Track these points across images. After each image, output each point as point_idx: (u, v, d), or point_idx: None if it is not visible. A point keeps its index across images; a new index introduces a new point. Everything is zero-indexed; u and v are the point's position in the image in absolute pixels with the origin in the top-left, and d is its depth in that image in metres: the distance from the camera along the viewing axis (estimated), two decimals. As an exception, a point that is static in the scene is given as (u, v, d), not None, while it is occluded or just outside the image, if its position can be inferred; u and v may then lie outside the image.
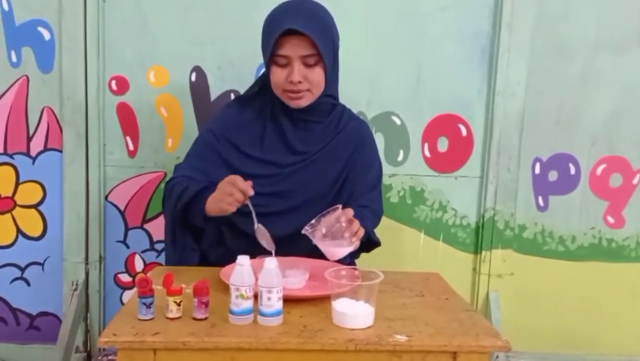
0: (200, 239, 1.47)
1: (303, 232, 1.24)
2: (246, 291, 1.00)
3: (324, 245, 1.24)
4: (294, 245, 1.37)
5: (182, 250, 1.44)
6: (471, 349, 0.98)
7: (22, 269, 2.00)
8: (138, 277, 1.01)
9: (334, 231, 1.23)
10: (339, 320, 1.03)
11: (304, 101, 1.41)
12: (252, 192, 1.26)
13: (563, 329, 2.12)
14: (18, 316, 2.02)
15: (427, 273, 1.39)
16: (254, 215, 1.29)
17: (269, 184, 1.43)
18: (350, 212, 1.25)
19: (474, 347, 0.98)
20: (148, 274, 1.25)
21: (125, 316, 1.03)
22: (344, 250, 1.25)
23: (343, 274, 1.08)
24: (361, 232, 1.26)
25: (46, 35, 1.92)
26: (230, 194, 1.25)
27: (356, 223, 1.25)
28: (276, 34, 1.34)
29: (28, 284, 2.01)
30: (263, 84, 1.49)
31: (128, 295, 2.02)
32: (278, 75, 1.38)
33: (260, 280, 1.01)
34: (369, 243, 1.46)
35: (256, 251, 1.30)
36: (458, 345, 0.98)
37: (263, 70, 1.52)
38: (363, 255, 1.61)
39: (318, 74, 1.39)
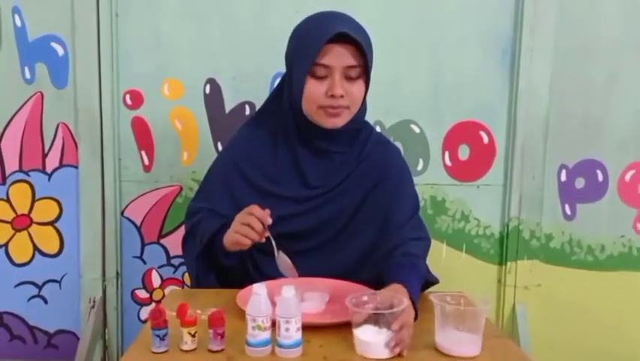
0: (226, 280, 1.34)
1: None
2: (263, 321, 0.95)
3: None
4: None
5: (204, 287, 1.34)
6: (503, 382, 0.92)
7: (40, 287, 1.99)
8: (151, 308, 0.96)
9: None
10: (362, 350, 0.98)
11: (341, 120, 1.25)
12: (270, 221, 1.17)
13: (593, 341, 2.05)
14: (35, 334, 2.01)
15: (452, 293, 1.33)
16: (274, 243, 1.21)
17: (282, 225, 1.25)
18: (407, 320, 1.00)
19: (506, 380, 0.92)
20: (162, 302, 1.21)
21: (139, 348, 0.99)
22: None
23: (365, 300, 1.03)
24: (405, 344, 0.98)
25: (60, 51, 1.90)
26: (247, 223, 1.16)
27: (406, 332, 0.98)
28: (323, 38, 1.19)
29: (46, 302, 1.99)
30: (272, 106, 1.36)
31: (146, 312, 2.00)
32: (315, 89, 1.22)
33: (277, 309, 0.97)
34: (426, 284, 1.32)
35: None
36: (489, 378, 0.93)
37: (277, 83, 1.41)
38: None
39: (359, 89, 1.25)
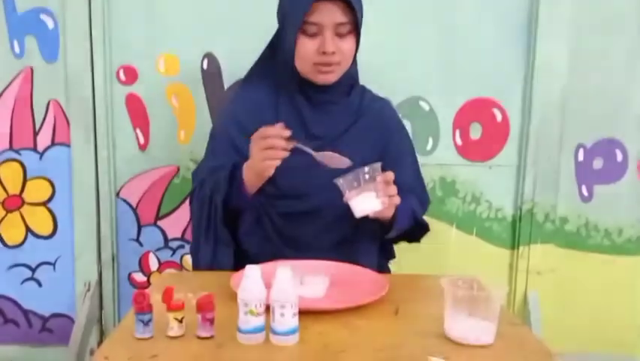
0: (235, 231, 1.35)
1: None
2: (255, 306, 0.87)
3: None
4: (320, 248, 1.27)
5: (215, 245, 1.30)
6: (519, 374, 0.84)
7: (33, 269, 1.92)
8: (135, 291, 0.89)
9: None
10: (359, 210, 1.13)
11: (334, 76, 1.29)
12: (287, 133, 1.14)
13: (609, 329, 1.96)
14: (30, 317, 1.94)
15: (464, 278, 1.24)
16: (305, 148, 1.17)
17: (286, 179, 1.27)
18: (390, 174, 1.14)
19: (522, 372, 0.84)
20: (151, 285, 1.14)
21: (122, 334, 0.91)
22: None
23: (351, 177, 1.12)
24: (396, 200, 1.15)
25: (50, 24, 1.81)
26: (268, 146, 1.14)
27: (393, 188, 1.14)
28: None
29: (40, 285, 1.93)
30: (266, 62, 1.36)
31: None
32: (307, 46, 1.24)
33: (272, 293, 0.88)
34: (415, 226, 1.35)
35: (295, 237, 1.29)
36: (503, 369, 0.84)
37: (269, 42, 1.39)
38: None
39: (350, 45, 1.27)
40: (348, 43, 1.26)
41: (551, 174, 1.88)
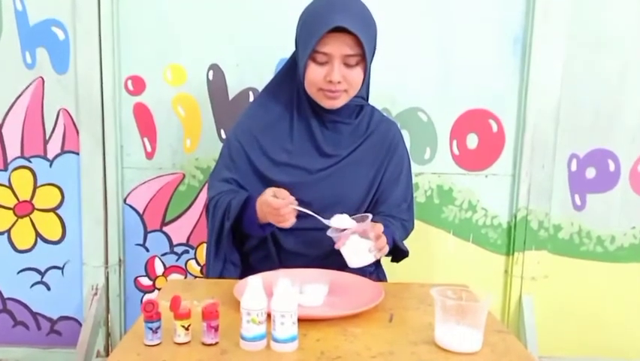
0: (242, 244, 1.42)
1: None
2: (257, 315, 0.93)
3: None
4: (327, 264, 1.31)
5: (224, 263, 1.39)
6: (503, 380, 0.89)
7: (42, 273, 1.98)
8: (144, 300, 0.95)
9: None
10: (352, 263, 1.21)
11: (339, 102, 1.34)
12: (295, 202, 1.22)
13: (601, 334, 2.01)
14: (39, 320, 2.01)
15: (454, 287, 1.30)
16: (316, 215, 1.23)
17: (297, 193, 1.27)
18: (379, 228, 1.22)
19: (506, 378, 0.90)
20: (160, 293, 1.20)
21: (132, 340, 0.97)
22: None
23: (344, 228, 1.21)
24: (385, 250, 1.24)
25: (61, 35, 1.87)
26: (280, 215, 1.21)
27: (383, 240, 1.22)
28: (323, 30, 1.25)
29: (48, 288, 1.99)
30: (286, 79, 1.41)
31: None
32: (315, 73, 1.30)
33: (273, 303, 0.94)
34: (396, 251, 1.40)
35: (293, 255, 1.35)
36: (489, 375, 0.90)
37: (284, 62, 1.45)
38: (387, 262, 1.54)
39: (357, 75, 1.32)
40: (355, 73, 1.31)
41: (545, 183, 1.94)
